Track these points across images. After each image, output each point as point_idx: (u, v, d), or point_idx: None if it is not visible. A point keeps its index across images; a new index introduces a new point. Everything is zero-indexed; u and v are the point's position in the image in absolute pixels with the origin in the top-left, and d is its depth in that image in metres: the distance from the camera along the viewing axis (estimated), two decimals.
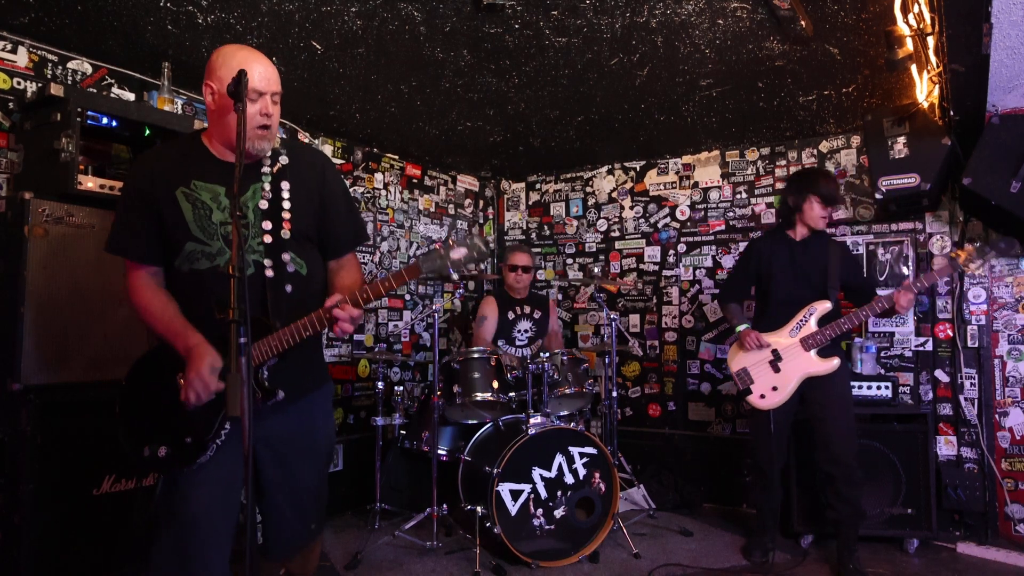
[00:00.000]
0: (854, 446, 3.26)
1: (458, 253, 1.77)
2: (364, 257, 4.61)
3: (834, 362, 3.26)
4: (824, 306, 3.30)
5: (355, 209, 2.11)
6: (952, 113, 3.10)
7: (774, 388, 3.33)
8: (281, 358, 1.83)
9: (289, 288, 1.88)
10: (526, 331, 4.30)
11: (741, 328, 3.46)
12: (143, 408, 1.85)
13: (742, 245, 4.62)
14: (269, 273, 1.85)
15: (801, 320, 3.32)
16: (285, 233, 1.88)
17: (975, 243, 3.66)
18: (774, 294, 3.43)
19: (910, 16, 2.52)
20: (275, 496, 1.94)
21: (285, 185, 1.91)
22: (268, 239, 1.86)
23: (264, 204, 1.87)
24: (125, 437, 1.84)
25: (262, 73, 1.80)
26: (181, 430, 1.78)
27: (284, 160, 1.94)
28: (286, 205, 1.89)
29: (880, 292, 3.51)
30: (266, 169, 1.90)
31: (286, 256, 1.88)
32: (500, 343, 4.24)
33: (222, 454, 1.79)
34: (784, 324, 3.37)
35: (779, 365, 3.33)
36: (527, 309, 4.33)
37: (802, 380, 3.30)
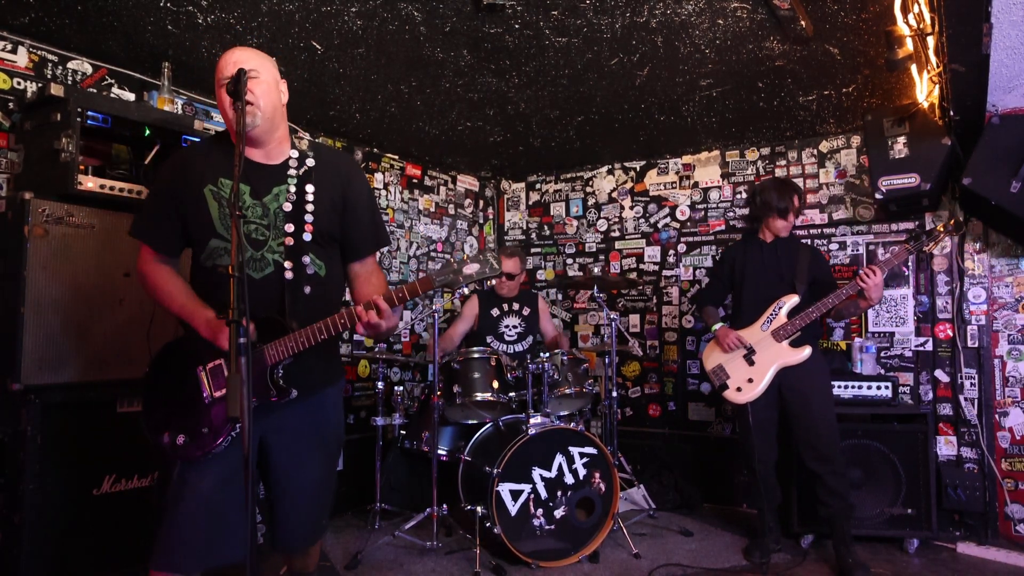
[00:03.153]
0: (837, 439, 3.35)
1: (470, 269, 1.85)
2: None
3: (806, 351, 3.33)
4: (792, 299, 3.41)
5: (378, 214, 2.15)
6: (952, 113, 3.10)
7: (749, 380, 3.42)
8: (296, 358, 1.86)
9: (308, 289, 1.93)
10: (514, 327, 4.31)
11: (717, 327, 3.60)
12: (164, 397, 1.90)
13: None
14: (288, 275, 1.89)
15: (771, 314, 3.43)
16: (307, 236, 1.92)
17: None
18: (748, 293, 3.55)
19: (910, 16, 2.51)
20: (286, 486, 1.97)
21: (310, 188, 1.94)
22: (290, 241, 1.90)
23: (288, 207, 1.91)
24: (146, 424, 1.90)
25: (227, 60, 1.85)
26: (199, 421, 1.83)
27: (311, 163, 1.97)
28: (309, 208, 1.93)
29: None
30: (292, 172, 1.94)
31: (306, 259, 1.92)
32: (489, 340, 4.25)
33: (235, 446, 1.83)
34: (756, 320, 3.47)
35: (753, 358, 3.43)
36: (514, 306, 4.34)
37: (777, 370, 3.37)
